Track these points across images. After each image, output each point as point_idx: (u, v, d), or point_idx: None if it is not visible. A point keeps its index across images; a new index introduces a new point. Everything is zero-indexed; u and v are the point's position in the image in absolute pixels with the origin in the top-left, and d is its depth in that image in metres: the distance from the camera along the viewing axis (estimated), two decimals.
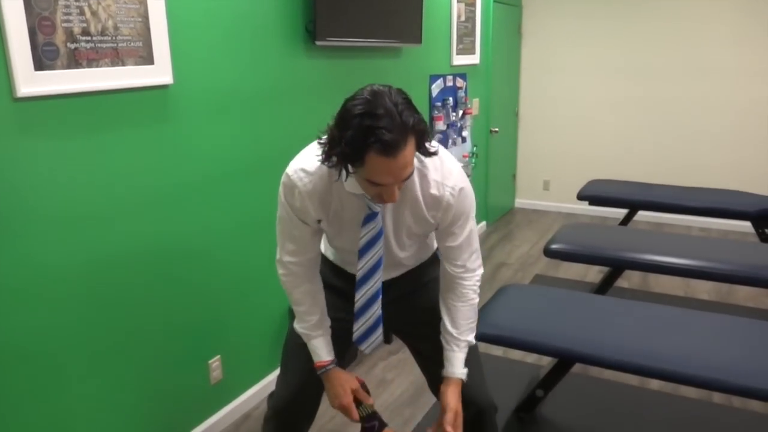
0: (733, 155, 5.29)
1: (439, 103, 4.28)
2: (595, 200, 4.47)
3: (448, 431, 1.59)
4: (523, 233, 5.44)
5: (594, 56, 5.63)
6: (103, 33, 1.87)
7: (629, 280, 4.26)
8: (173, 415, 2.38)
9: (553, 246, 3.33)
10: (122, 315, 2.10)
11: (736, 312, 3.63)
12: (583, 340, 2.25)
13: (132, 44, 1.98)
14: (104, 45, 1.88)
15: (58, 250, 1.85)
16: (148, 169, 2.13)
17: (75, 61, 1.80)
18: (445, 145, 4.39)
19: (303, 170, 1.50)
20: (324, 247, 1.85)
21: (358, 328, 1.71)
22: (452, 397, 1.63)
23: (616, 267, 3.48)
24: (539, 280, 4.29)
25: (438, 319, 1.72)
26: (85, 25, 1.81)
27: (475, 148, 4.93)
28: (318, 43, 2.83)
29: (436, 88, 4.24)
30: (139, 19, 1.99)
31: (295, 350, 1.75)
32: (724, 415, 2.66)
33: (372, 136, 1.26)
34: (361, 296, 1.66)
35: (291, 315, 1.78)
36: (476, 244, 1.67)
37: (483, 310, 2.47)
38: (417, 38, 3.69)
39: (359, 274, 1.63)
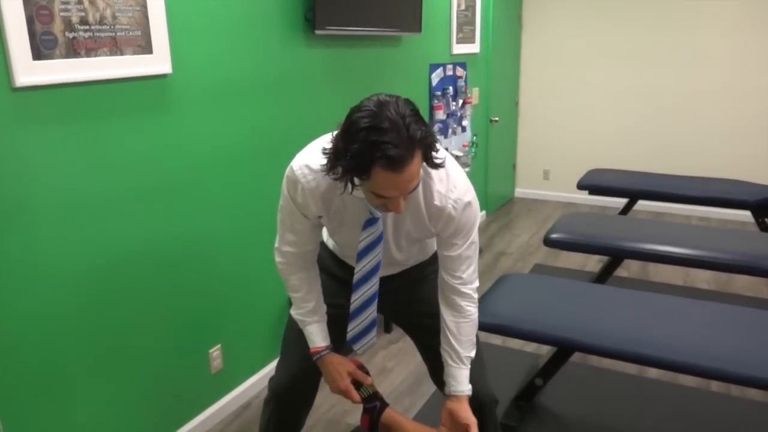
0: (733, 145, 5.28)
1: (439, 93, 4.27)
2: (594, 190, 4.46)
3: None
4: (522, 222, 5.44)
5: (594, 46, 5.60)
6: (101, 22, 1.86)
7: (629, 269, 4.27)
8: (174, 404, 2.39)
9: (553, 235, 3.33)
10: (122, 305, 2.10)
11: (735, 301, 3.64)
12: (582, 329, 2.25)
13: (130, 33, 1.97)
14: (102, 34, 1.88)
15: (58, 241, 1.86)
16: (148, 159, 2.12)
17: (73, 50, 1.80)
18: (445, 135, 4.38)
19: (308, 167, 1.49)
20: (326, 236, 1.85)
21: (353, 329, 1.72)
22: (467, 413, 1.62)
23: (616, 256, 3.48)
24: (539, 269, 4.30)
25: (437, 311, 1.72)
26: (83, 14, 1.80)
27: (475, 138, 4.92)
28: (317, 32, 2.82)
29: (436, 77, 4.23)
30: (138, 8, 1.98)
31: (295, 336, 1.76)
32: (722, 403, 2.67)
33: (378, 151, 1.24)
34: (357, 298, 1.67)
35: (290, 302, 1.78)
36: (476, 257, 1.66)
37: (482, 300, 2.48)
38: (417, 27, 3.67)
39: (356, 277, 1.63)
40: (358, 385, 1.72)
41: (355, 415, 2.61)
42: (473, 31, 4.79)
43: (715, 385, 2.81)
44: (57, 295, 1.88)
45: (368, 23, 3.16)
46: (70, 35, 1.78)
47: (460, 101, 4.59)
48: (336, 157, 1.31)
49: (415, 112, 1.32)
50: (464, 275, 1.64)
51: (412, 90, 3.96)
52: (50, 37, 1.72)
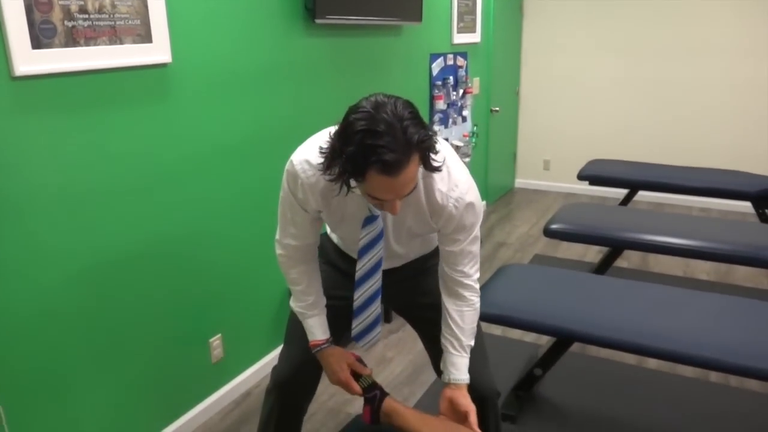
0: (734, 135, 5.27)
1: (439, 82, 4.25)
2: (595, 180, 4.46)
3: (478, 431, 1.59)
4: (522, 213, 5.44)
5: (596, 35, 5.58)
6: (100, 11, 1.85)
7: (629, 260, 4.27)
8: (174, 394, 2.40)
9: (553, 226, 3.33)
10: (123, 295, 2.11)
11: (735, 292, 3.64)
12: (582, 319, 2.26)
13: (130, 22, 1.96)
14: (102, 23, 1.87)
15: (58, 230, 1.86)
16: (148, 148, 2.12)
17: (73, 39, 1.79)
18: (446, 125, 4.37)
19: (307, 162, 1.48)
20: (329, 229, 1.85)
21: (357, 325, 1.71)
22: (466, 400, 1.63)
23: (616, 247, 3.48)
24: (538, 260, 4.30)
25: (440, 302, 1.72)
26: (82, 2, 1.79)
27: (475, 128, 4.91)
28: (317, 21, 2.80)
29: (437, 66, 4.21)
30: None
31: (298, 326, 1.76)
32: (721, 393, 2.68)
33: (373, 155, 1.22)
34: (360, 295, 1.66)
35: (290, 293, 1.79)
36: (477, 251, 1.65)
37: (482, 290, 2.48)
38: (417, 16, 3.65)
39: (359, 274, 1.63)
40: (356, 376, 1.73)
41: (355, 404, 2.63)
42: (474, 20, 4.77)
43: (714, 376, 2.82)
44: (57, 286, 1.88)
45: (368, 12, 3.15)
46: (70, 24, 1.77)
47: (461, 91, 4.57)
48: (332, 157, 1.30)
49: (414, 114, 1.30)
50: (466, 269, 1.64)
51: (412, 80, 3.94)
52: (49, 26, 1.72)
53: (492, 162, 5.56)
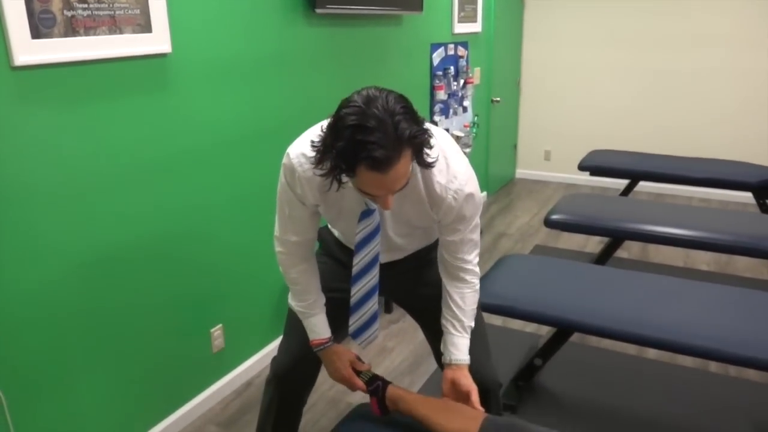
0: (735, 126, 5.25)
1: (440, 72, 4.24)
2: (596, 171, 4.45)
3: (481, 409, 1.59)
4: (523, 204, 5.44)
5: (597, 26, 5.55)
6: (99, 0, 1.84)
7: (629, 250, 4.28)
8: (176, 384, 2.41)
9: (554, 216, 3.33)
10: (124, 285, 2.11)
11: (735, 282, 3.65)
12: (582, 309, 2.26)
13: (129, 12, 1.95)
14: (101, 12, 1.86)
15: (58, 221, 1.86)
16: (147, 139, 2.12)
17: (72, 29, 1.78)
18: (446, 115, 4.36)
19: (304, 155, 1.46)
20: (327, 221, 1.85)
21: (354, 322, 1.70)
22: (467, 380, 1.63)
23: (616, 237, 3.48)
24: (539, 250, 4.31)
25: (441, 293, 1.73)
26: None
27: (476, 118, 4.90)
28: (318, 11, 2.79)
29: (437, 56, 4.20)
30: None
31: (298, 318, 1.76)
32: (720, 383, 2.69)
33: (363, 151, 1.21)
34: (356, 291, 1.65)
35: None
36: (478, 238, 1.65)
37: (483, 280, 2.48)
38: (418, 6, 3.63)
39: (355, 269, 1.62)
40: (356, 372, 1.73)
41: (356, 394, 2.63)
42: (475, 10, 4.75)
43: (714, 366, 2.83)
44: (58, 277, 1.88)
45: (369, 2, 3.13)
46: (69, 13, 1.76)
47: (462, 81, 4.56)
48: (324, 151, 1.29)
49: (407, 108, 1.27)
50: (467, 256, 1.64)
51: (413, 70, 3.93)
52: (49, 16, 1.71)
53: (493, 152, 5.55)
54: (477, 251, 1.67)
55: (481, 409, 1.59)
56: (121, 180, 2.04)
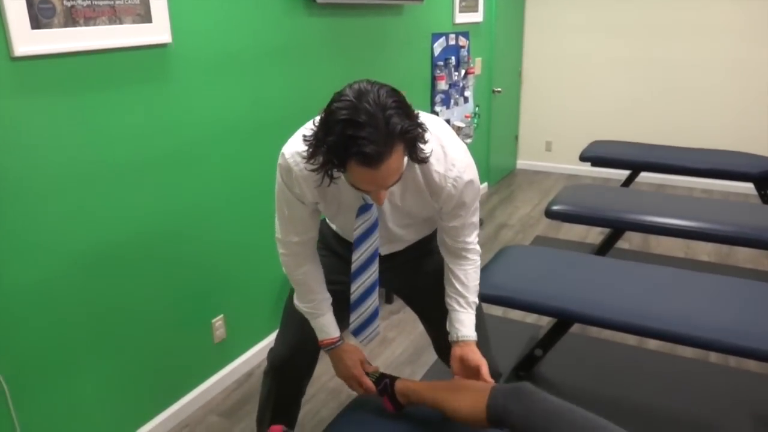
0: (737, 116, 5.24)
1: (441, 63, 4.23)
2: (597, 161, 4.45)
3: (491, 381, 1.58)
4: (524, 194, 5.44)
5: (599, 16, 5.53)
6: None
7: (630, 241, 4.28)
8: (177, 374, 2.42)
9: (555, 207, 3.33)
10: (126, 276, 2.11)
11: (736, 273, 3.65)
12: (583, 300, 2.27)
13: (129, 2, 1.94)
14: (101, 3, 1.85)
15: (59, 211, 1.86)
16: (147, 130, 2.11)
17: (72, 19, 1.77)
18: (447, 105, 4.35)
19: (299, 154, 1.44)
20: (327, 219, 1.84)
21: (355, 320, 1.69)
22: (476, 355, 1.62)
23: (617, 228, 3.49)
24: (540, 241, 4.31)
25: (443, 284, 1.73)
26: None
27: (477, 109, 4.89)
28: (319, 1, 2.78)
29: (439, 46, 4.18)
30: None
31: (295, 310, 1.76)
32: (720, 374, 2.70)
33: (353, 146, 1.19)
34: (356, 288, 1.64)
35: (292, 290, 1.78)
36: (477, 221, 1.66)
37: (484, 271, 2.48)
38: None
39: (354, 266, 1.61)
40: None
41: None
42: None
43: (714, 357, 2.83)
44: (60, 266, 1.88)
45: None
46: (69, 4, 1.76)
47: (463, 71, 4.54)
48: (316, 145, 1.28)
49: (399, 102, 1.25)
50: (468, 239, 1.65)
51: (414, 60, 3.92)
52: (48, 6, 1.70)
53: (494, 143, 5.54)
54: (477, 232, 1.69)
55: (491, 381, 1.57)
56: (121, 171, 2.04)
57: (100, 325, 2.05)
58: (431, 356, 2.81)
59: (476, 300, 1.70)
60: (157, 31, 2.05)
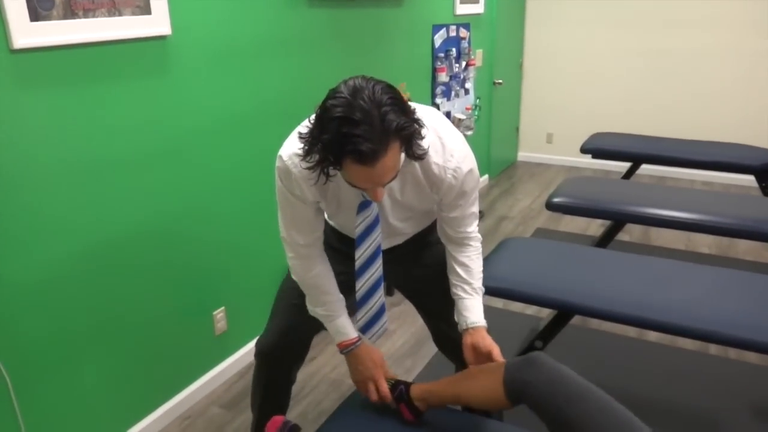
0: (738, 108, 5.22)
1: (442, 54, 4.21)
2: (598, 153, 4.43)
3: (502, 360, 1.56)
4: (525, 186, 5.43)
5: (600, 7, 5.50)
6: None
7: (631, 233, 4.27)
8: (179, 366, 2.43)
9: (555, 199, 3.32)
10: (127, 268, 2.12)
11: (736, 265, 3.65)
12: (583, 292, 2.27)
13: None
14: None
15: (59, 204, 1.86)
16: (147, 121, 2.11)
17: (71, 11, 1.77)
18: (448, 97, 4.34)
19: (297, 155, 1.43)
20: (327, 216, 1.84)
21: (361, 317, 1.68)
22: (486, 341, 1.59)
23: (618, 220, 3.48)
24: (540, 233, 4.31)
25: (442, 275, 1.73)
26: None
27: (478, 101, 4.88)
28: None
29: (439, 38, 4.17)
30: None
31: (286, 295, 1.77)
32: (720, 366, 2.70)
33: (349, 144, 1.19)
34: (362, 285, 1.63)
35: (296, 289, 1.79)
36: (477, 210, 1.66)
37: (484, 263, 2.47)
38: None
39: (358, 263, 1.60)
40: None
41: None
42: None
43: (714, 349, 2.84)
44: (61, 259, 1.89)
45: None
46: None
47: (464, 63, 4.53)
48: (311, 142, 1.27)
49: (395, 99, 1.24)
50: (469, 228, 1.65)
51: (414, 51, 3.91)
52: None
53: (495, 135, 5.53)
54: (477, 222, 1.68)
55: (503, 359, 1.55)
56: (121, 163, 2.04)
57: (102, 317, 2.05)
58: (431, 349, 2.82)
59: (481, 286, 1.69)
60: (157, 23, 2.05)
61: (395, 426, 1.64)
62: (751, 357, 2.77)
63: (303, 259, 1.64)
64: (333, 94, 1.25)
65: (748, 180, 5.28)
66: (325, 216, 1.81)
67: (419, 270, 1.83)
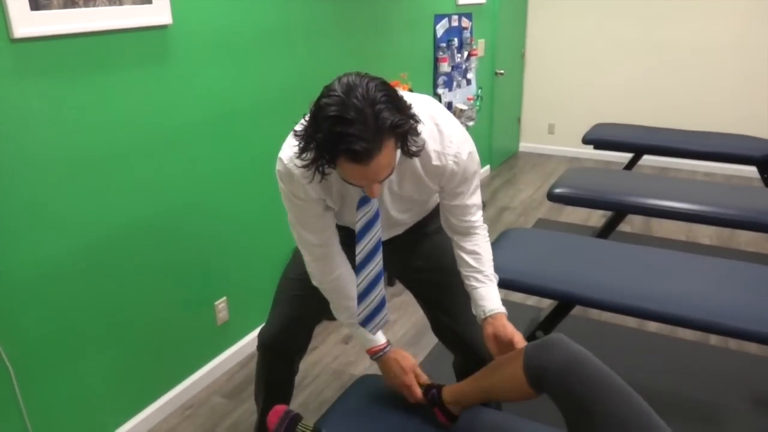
0: (740, 99, 5.20)
1: (444, 44, 4.20)
2: (600, 144, 4.43)
3: (523, 343, 1.55)
4: (526, 177, 5.43)
5: None
6: None
7: (632, 224, 4.27)
8: (181, 356, 2.44)
9: (557, 190, 3.32)
10: (129, 258, 2.12)
11: (737, 256, 3.65)
12: (584, 283, 2.27)
13: None
14: None
15: (60, 195, 1.86)
16: (148, 111, 2.11)
17: (71, 0, 1.76)
18: (450, 88, 4.33)
19: (296, 155, 1.39)
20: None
21: (362, 310, 1.66)
22: (507, 329, 1.57)
23: (619, 211, 3.48)
24: (542, 224, 4.31)
25: (440, 266, 1.72)
26: None
27: (480, 91, 4.86)
28: None
29: (441, 28, 4.15)
30: None
31: (286, 292, 1.76)
32: (720, 356, 2.71)
33: (342, 143, 1.18)
34: (362, 279, 1.62)
35: (293, 257, 1.78)
36: (480, 199, 1.65)
37: None
38: None
39: (358, 258, 1.58)
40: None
41: (359, 365, 2.66)
42: None
43: (714, 339, 2.84)
44: (63, 251, 1.89)
45: None
46: None
47: (466, 53, 4.52)
48: (306, 141, 1.26)
49: (389, 96, 1.23)
50: (473, 218, 1.64)
51: (416, 41, 3.89)
52: None
53: (496, 125, 5.52)
54: (481, 212, 1.67)
55: (524, 343, 1.53)
56: (122, 153, 2.04)
57: (104, 309, 2.06)
58: (432, 339, 2.82)
59: (494, 273, 1.67)
60: (157, 12, 2.04)
61: (396, 415, 1.65)
62: (752, 348, 2.77)
63: (320, 261, 1.62)
64: (327, 92, 1.24)
65: (750, 171, 5.27)
66: None
67: (418, 260, 1.83)
